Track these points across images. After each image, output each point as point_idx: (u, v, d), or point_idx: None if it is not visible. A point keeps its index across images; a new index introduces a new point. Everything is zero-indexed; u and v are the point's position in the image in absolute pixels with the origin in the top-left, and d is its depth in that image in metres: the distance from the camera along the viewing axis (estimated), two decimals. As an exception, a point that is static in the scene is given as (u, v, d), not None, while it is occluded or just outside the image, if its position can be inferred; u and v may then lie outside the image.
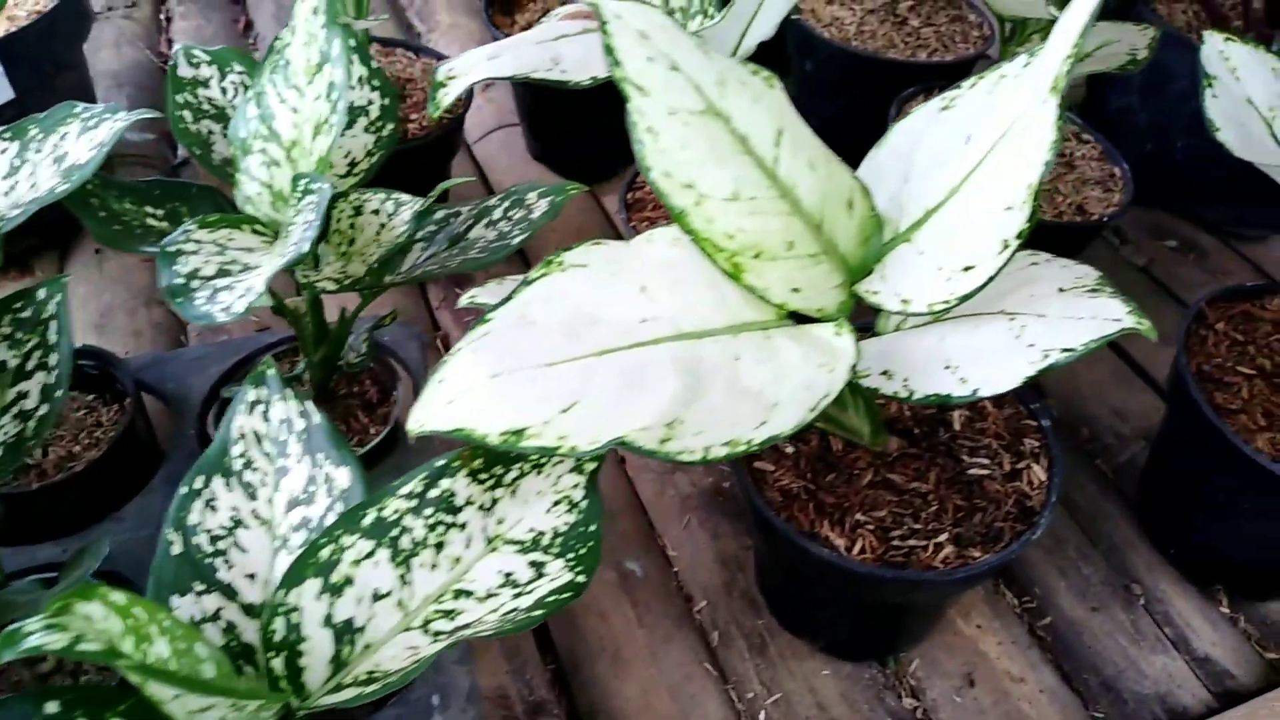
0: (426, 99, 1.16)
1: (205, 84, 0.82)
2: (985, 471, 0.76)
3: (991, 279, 0.53)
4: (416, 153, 1.09)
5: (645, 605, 0.91)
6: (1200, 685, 0.86)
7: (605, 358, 0.51)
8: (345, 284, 0.67)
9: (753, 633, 0.89)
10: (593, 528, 0.55)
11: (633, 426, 0.48)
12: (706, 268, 0.56)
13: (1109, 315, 0.52)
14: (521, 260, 1.25)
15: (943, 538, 0.72)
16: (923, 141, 0.62)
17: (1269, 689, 0.85)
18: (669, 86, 0.54)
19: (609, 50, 0.53)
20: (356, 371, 0.88)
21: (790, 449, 0.79)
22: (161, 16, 1.77)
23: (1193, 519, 0.90)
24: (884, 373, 0.59)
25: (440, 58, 1.22)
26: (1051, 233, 0.99)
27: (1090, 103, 1.43)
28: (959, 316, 0.60)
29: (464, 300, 0.59)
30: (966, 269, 0.54)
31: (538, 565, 0.54)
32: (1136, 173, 1.31)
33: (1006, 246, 0.52)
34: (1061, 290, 0.57)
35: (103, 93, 1.52)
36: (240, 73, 0.82)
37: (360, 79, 0.79)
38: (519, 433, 0.48)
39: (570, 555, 0.54)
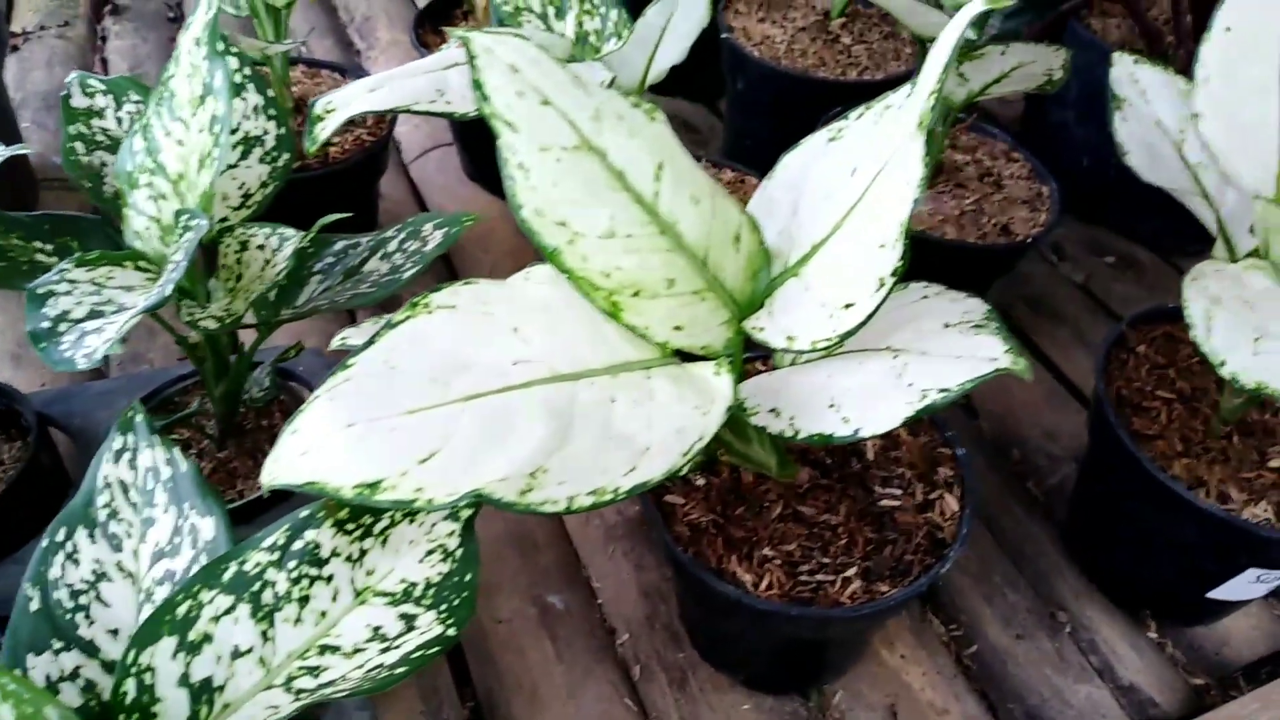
0: (349, 120, 1.14)
1: (100, 114, 0.80)
2: (897, 503, 0.75)
3: (870, 316, 0.52)
4: (338, 177, 1.07)
5: (566, 640, 0.89)
6: (1123, 715, 0.85)
7: (472, 403, 0.50)
8: (228, 322, 0.65)
9: (674, 666, 0.87)
10: (468, 577, 0.53)
11: (492, 477, 0.46)
12: (586, 306, 0.55)
13: (987, 354, 0.51)
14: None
15: (851, 572, 0.71)
16: (811, 173, 0.61)
17: (1193, 716, 0.84)
18: (540, 122, 0.53)
19: (477, 85, 0.52)
20: (265, 404, 0.86)
21: (701, 481, 0.77)
22: (98, 36, 1.75)
23: (1117, 544, 0.89)
24: (772, 410, 0.58)
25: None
26: (976, 255, 0.98)
27: (1029, 118, 1.43)
28: (849, 352, 0.59)
29: (335, 342, 0.58)
30: (847, 306, 0.53)
31: (408, 618, 0.52)
32: (1074, 188, 1.30)
33: (883, 284, 0.51)
34: (947, 326, 0.56)
35: (32, 114, 1.49)
36: (137, 102, 0.80)
37: (255, 108, 0.77)
38: (374, 485, 0.46)
39: (443, 607, 0.53)
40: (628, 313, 0.55)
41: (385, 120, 1.14)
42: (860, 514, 0.74)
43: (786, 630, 0.74)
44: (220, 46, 0.74)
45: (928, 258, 0.99)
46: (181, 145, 0.69)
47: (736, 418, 0.59)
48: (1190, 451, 0.80)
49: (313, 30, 1.72)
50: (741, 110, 1.27)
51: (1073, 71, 1.29)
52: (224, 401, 0.81)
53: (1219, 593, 0.83)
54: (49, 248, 0.75)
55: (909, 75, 1.18)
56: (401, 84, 0.63)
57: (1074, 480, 1.00)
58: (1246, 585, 0.81)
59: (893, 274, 0.50)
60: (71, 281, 0.62)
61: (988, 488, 1.02)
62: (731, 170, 1.04)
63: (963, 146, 1.09)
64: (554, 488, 0.47)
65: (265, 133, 0.77)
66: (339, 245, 0.77)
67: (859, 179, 0.56)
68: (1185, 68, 1.21)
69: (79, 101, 0.79)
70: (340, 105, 0.61)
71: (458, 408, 0.49)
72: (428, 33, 1.30)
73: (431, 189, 1.40)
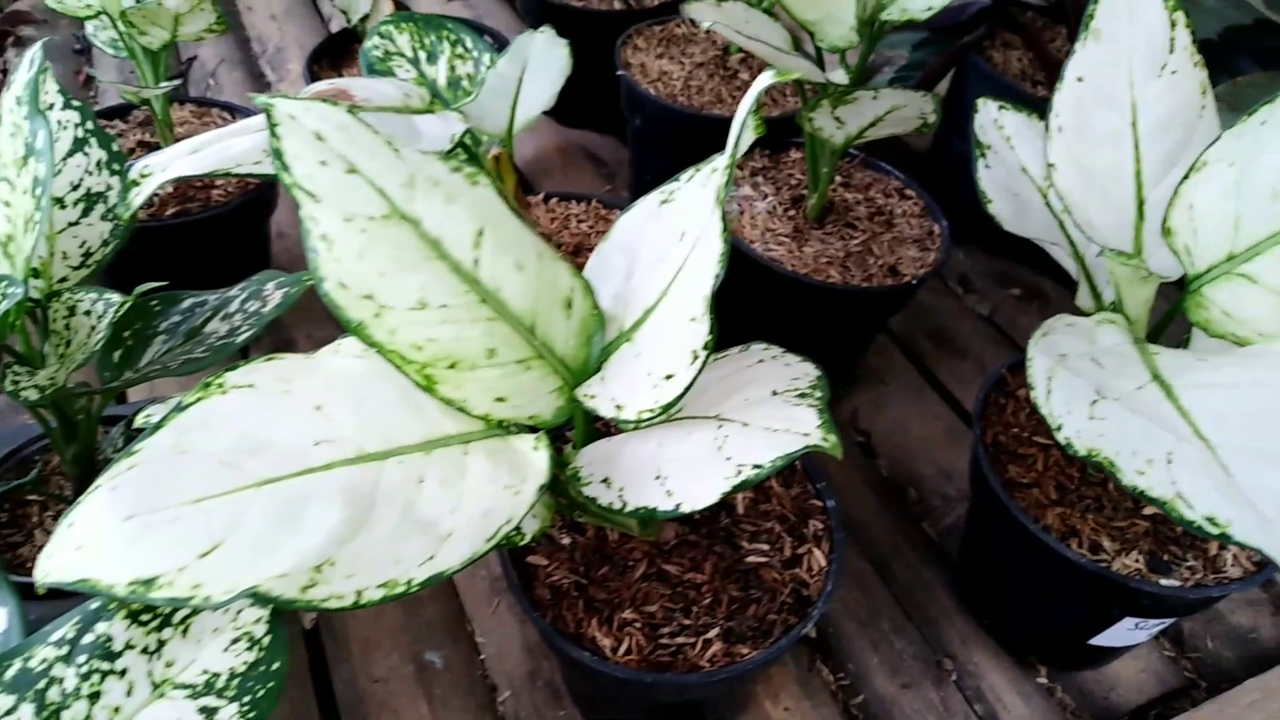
0: (238, 163, 1.12)
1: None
2: (764, 559, 0.73)
3: (688, 388, 0.50)
4: (221, 220, 1.05)
5: (443, 699, 0.86)
6: (1007, 764, 0.84)
7: (265, 489, 0.47)
8: (49, 393, 0.62)
9: (554, 725, 0.85)
10: (275, 666, 0.51)
11: (270, 573, 0.44)
12: (401, 379, 0.53)
13: (801, 429, 0.49)
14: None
15: (713, 633, 0.69)
16: (645, 235, 0.59)
17: (1078, 763, 0.83)
18: (345, 191, 0.51)
19: (276, 154, 0.50)
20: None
21: (566, 540, 0.75)
22: (1, 70, 1.70)
23: (1002, 590, 0.88)
24: (604, 480, 0.56)
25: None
26: (861, 299, 0.97)
27: (936, 149, 1.43)
28: (681, 419, 0.57)
29: (140, 419, 0.55)
30: (668, 377, 0.51)
31: (209, 711, 0.50)
32: (980, 220, 1.30)
33: (696, 357, 0.49)
34: (774, 394, 0.54)
35: (-75, 152, 1.45)
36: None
37: (99, 163, 0.74)
38: (149, 582, 0.43)
39: (246, 699, 0.50)
40: (444, 386, 0.53)
41: (273, 161, 1.12)
42: (726, 571, 0.73)
43: (649, 695, 0.72)
44: (54, 103, 0.72)
45: (813, 302, 0.98)
46: (8, 206, 0.66)
47: (569, 488, 0.57)
48: (1065, 500, 0.79)
49: (222, 62, 1.69)
50: (642, 146, 1.26)
51: (974, 105, 1.29)
52: (76, 464, 0.78)
53: (1100, 640, 0.82)
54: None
55: (806, 111, 1.18)
56: (226, 144, 0.61)
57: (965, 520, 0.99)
58: (1126, 633, 0.80)
59: (704, 347, 0.49)
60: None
61: (882, 530, 1.01)
62: (621, 211, 1.02)
63: (856, 184, 1.08)
64: (340, 582, 0.45)
65: (109, 189, 0.74)
66: (186, 303, 0.74)
67: (686, 243, 0.55)
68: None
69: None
70: (157, 169, 0.59)
71: (248, 494, 0.47)
72: (324, 69, 1.28)
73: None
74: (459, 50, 0.89)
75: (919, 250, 1.02)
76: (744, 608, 0.71)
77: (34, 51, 0.64)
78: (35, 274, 0.70)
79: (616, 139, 1.51)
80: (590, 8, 1.34)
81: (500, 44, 1.30)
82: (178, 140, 1.12)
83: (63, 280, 0.72)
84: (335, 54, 1.29)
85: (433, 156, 0.55)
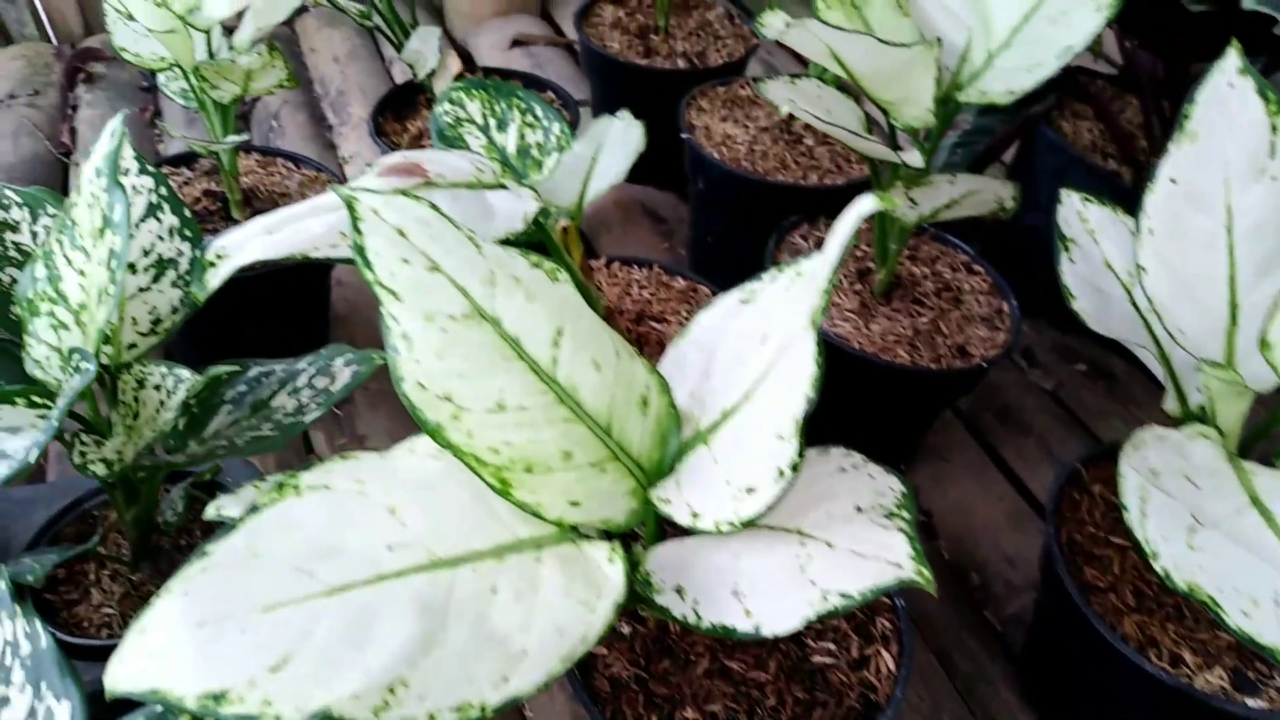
0: (301, 216, 1.12)
1: (15, 228, 0.77)
2: (830, 659, 0.71)
3: (772, 506, 0.48)
4: (282, 274, 1.05)
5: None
6: None
7: (337, 597, 0.46)
8: (116, 469, 0.62)
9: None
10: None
11: (342, 694, 0.43)
12: (473, 481, 0.51)
13: (892, 558, 0.47)
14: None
15: (776, 738, 0.67)
16: (724, 334, 0.58)
17: None
18: (426, 290, 0.50)
19: (359, 251, 0.49)
20: (182, 526, 0.82)
21: (626, 629, 0.73)
22: (68, 105, 1.73)
23: (1072, 694, 0.85)
24: (677, 589, 0.54)
25: (319, 169, 1.19)
26: (930, 381, 0.94)
27: (999, 224, 1.40)
28: (759, 527, 0.55)
29: (210, 512, 0.54)
30: (750, 490, 0.50)
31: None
32: (1046, 292, 1.28)
33: (782, 475, 0.48)
34: (859, 510, 0.52)
35: (-7, 188, 1.47)
36: (54, 215, 0.78)
37: (171, 229, 0.74)
38: (219, 697, 0.42)
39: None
40: (519, 490, 0.51)
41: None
42: (791, 671, 0.71)
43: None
44: (130, 169, 0.72)
45: (881, 383, 0.96)
46: (83, 275, 0.66)
47: (641, 595, 0.56)
48: (1143, 606, 0.76)
49: (285, 104, 1.71)
50: (703, 208, 1.25)
51: (1043, 175, 1.27)
52: (135, 525, 0.78)
53: (1175, 752, 0.78)
54: (-51, 372, 0.72)
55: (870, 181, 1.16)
56: (301, 226, 0.61)
57: (1032, 612, 0.96)
58: (1203, 747, 0.77)
59: (791, 467, 0.47)
60: (-50, 427, 0.59)
61: (944, 617, 0.98)
62: (684, 279, 1.01)
63: (922, 257, 1.06)
64: (413, 704, 0.44)
65: (180, 255, 0.74)
66: (253, 373, 0.74)
67: (769, 348, 0.53)
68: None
69: (-8, 215, 0.77)
70: (233, 251, 0.58)
71: (320, 604, 0.46)
72: (388, 120, 1.28)
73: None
74: (529, 119, 0.88)
75: (988, 329, 0.99)
76: (809, 711, 0.69)
77: (114, 123, 0.64)
78: (105, 339, 0.69)
79: (675, 195, 1.51)
80: (654, 66, 1.33)
81: (563, 99, 1.30)
82: (244, 189, 1.13)
83: (131, 346, 0.72)
84: (399, 105, 1.30)
85: (514, 252, 0.54)
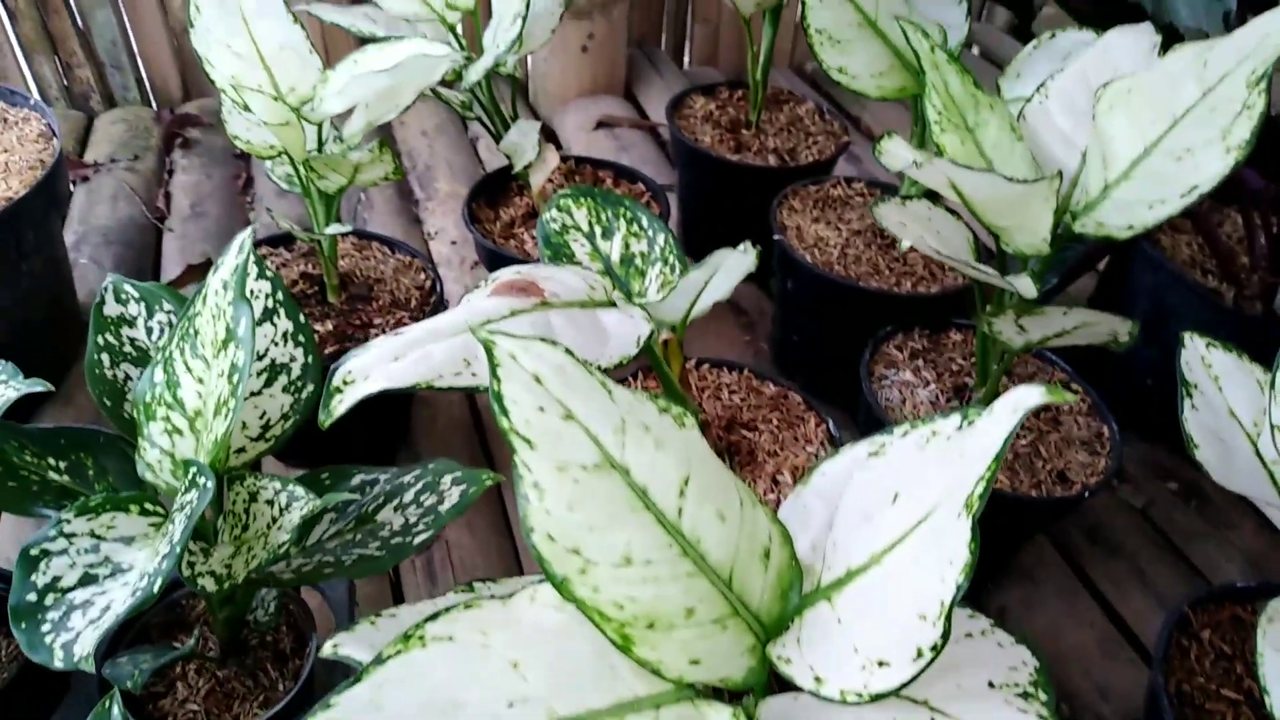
0: (393, 301, 1.13)
1: (131, 323, 0.78)
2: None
3: (906, 684, 0.47)
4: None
5: None
6: None
7: (458, 759, 0.45)
8: (225, 586, 0.62)
9: None
10: None
11: None
12: (594, 635, 0.50)
13: (1034, 751, 0.45)
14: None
15: None
16: (850, 486, 0.56)
17: None
18: (560, 439, 0.49)
19: (496, 398, 0.49)
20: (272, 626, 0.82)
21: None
22: (165, 169, 1.78)
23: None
24: (794, 755, 0.53)
25: (413, 255, 1.20)
26: (1030, 508, 0.92)
27: (1090, 325, 1.38)
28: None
29: (327, 649, 0.54)
30: (882, 664, 0.48)
31: None
32: (1137, 405, 1.25)
33: (921, 655, 0.46)
34: (991, 686, 0.51)
35: (90, 250, 1.51)
36: (169, 311, 0.79)
37: (285, 334, 0.75)
38: None
39: None
40: (640, 647, 0.50)
41: (430, 303, 1.13)
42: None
43: None
44: (254, 281, 0.73)
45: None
46: (201, 384, 0.67)
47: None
48: (1259, 769, 0.72)
49: (373, 177, 1.74)
50: (791, 308, 1.24)
51: (1139, 289, 1.25)
52: (226, 625, 0.78)
53: None
54: (61, 465, 0.73)
55: (967, 289, 1.15)
56: (424, 353, 0.61)
57: (1128, 753, 0.92)
58: None
59: (932, 649, 0.46)
60: (69, 536, 0.60)
61: (1032, 750, 0.94)
62: (774, 384, 1.00)
63: (1020, 374, 1.04)
64: None
65: (292, 360, 0.75)
66: (356, 480, 0.74)
67: (901, 511, 0.52)
68: (1262, 293, 1.17)
69: (111, 309, 0.78)
70: (359, 377, 0.58)
71: (442, 765, 0.45)
72: (481, 206, 1.30)
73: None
74: (634, 228, 0.89)
75: (1088, 454, 0.97)
76: None
77: (243, 238, 0.65)
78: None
79: (757, 288, 1.50)
80: (745, 162, 1.34)
81: (653, 191, 1.31)
82: (340, 272, 1.14)
83: (240, 451, 0.73)
84: (492, 191, 1.31)
85: (641, 396, 0.54)
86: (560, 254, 0.89)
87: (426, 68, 0.95)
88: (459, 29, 1.17)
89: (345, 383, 0.59)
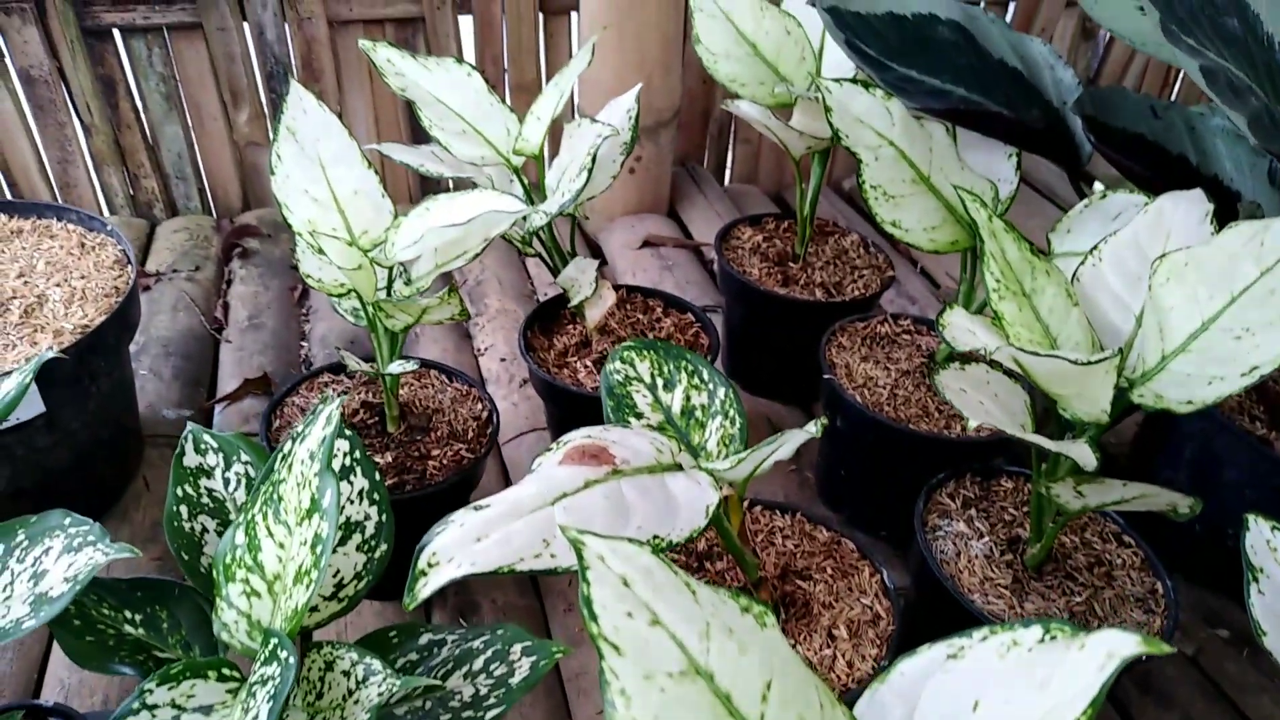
0: (450, 432, 1.15)
1: (209, 473, 0.81)
2: None
3: None
4: (437, 497, 1.07)
5: None
6: None
7: None
8: (301, 759, 0.63)
9: None
10: None
11: None
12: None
13: None
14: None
15: None
16: (928, 687, 0.57)
17: None
18: (648, 646, 0.50)
19: (586, 602, 0.50)
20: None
21: None
22: (224, 279, 1.83)
23: None
24: None
25: (470, 384, 1.23)
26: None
27: (1135, 467, 1.38)
28: None
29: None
30: None
31: None
32: (1185, 550, 1.24)
33: None
34: None
35: (150, 361, 1.55)
36: (246, 463, 0.81)
37: (361, 492, 0.77)
38: None
39: None
40: None
41: (486, 436, 1.15)
42: None
43: None
44: (339, 449, 0.75)
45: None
46: (282, 549, 0.68)
47: None
48: None
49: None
50: (839, 445, 1.26)
51: (1186, 434, 1.25)
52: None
53: None
54: (137, 618, 0.75)
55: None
56: (506, 533, 0.62)
57: None
58: None
59: None
60: (151, 707, 0.61)
61: None
62: (827, 530, 1.01)
63: (1072, 524, 1.05)
64: None
65: (366, 519, 0.77)
66: (423, 640, 0.75)
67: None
68: (1311, 442, 1.17)
69: (190, 460, 0.81)
70: (444, 560, 0.60)
71: None
72: (535, 335, 1.32)
73: (522, 474, 1.40)
74: (695, 381, 0.91)
75: (1143, 612, 0.96)
76: None
77: (330, 411, 0.68)
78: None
79: (800, 411, 1.52)
80: (792, 296, 1.37)
81: (702, 322, 1.34)
82: (401, 402, 1.17)
83: (313, 610, 0.74)
84: (545, 320, 1.34)
85: (723, 594, 0.55)
86: (623, 404, 0.91)
87: (497, 221, 0.98)
88: (522, 168, 1.21)
89: (430, 565, 0.60)
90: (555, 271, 1.28)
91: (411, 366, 1.06)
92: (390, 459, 1.11)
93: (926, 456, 1.13)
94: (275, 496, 0.69)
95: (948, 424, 1.15)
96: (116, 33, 1.82)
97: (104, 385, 1.19)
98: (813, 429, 0.75)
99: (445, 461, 1.12)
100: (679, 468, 0.78)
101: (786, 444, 0.76)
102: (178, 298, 1.71)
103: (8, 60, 1.79)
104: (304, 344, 1.68)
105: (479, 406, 1.20)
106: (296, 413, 1.16)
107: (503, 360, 1.63)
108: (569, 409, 1.28)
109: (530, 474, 0.73)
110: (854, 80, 1.08)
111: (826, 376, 1.19)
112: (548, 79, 2.06)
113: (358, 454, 0.77)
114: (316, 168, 1.04)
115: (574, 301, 1.25)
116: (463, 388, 1.23)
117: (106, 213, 1.99)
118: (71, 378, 1.11)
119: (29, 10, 1.74)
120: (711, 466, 0.77)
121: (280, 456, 0.70)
